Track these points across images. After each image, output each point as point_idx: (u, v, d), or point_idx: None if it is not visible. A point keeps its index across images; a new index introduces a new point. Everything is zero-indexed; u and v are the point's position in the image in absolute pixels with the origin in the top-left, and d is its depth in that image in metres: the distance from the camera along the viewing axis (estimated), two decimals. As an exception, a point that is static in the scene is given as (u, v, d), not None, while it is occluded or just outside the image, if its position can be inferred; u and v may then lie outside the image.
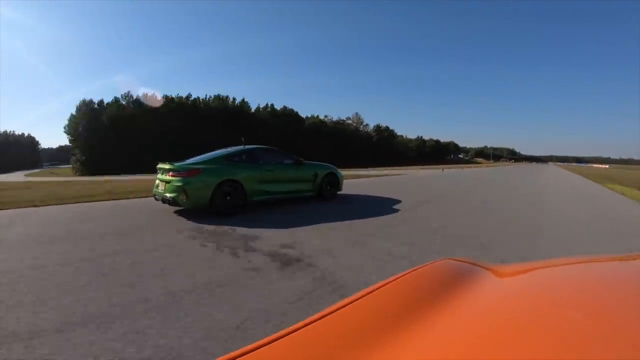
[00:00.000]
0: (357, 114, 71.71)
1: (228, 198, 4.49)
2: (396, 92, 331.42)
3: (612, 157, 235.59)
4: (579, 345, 0.34)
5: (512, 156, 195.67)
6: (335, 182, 6.05)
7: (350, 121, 69.19)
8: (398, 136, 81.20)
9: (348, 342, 0.37)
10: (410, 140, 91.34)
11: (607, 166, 69.08)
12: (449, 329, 0.39)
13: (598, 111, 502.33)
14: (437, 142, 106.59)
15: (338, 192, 6.29)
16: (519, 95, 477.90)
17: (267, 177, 5.08)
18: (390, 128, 76.33)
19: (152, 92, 47.02)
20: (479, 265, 0.61)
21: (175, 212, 4.62)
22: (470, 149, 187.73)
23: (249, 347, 0.35)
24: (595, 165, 74.62)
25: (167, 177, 4.38)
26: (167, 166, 4.48)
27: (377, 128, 73.29)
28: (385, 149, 68.02)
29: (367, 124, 72.68)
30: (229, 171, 4.65)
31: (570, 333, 0.36)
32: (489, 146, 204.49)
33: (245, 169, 4.84)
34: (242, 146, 5.35)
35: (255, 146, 5.49)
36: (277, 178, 5.23)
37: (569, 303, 0.45)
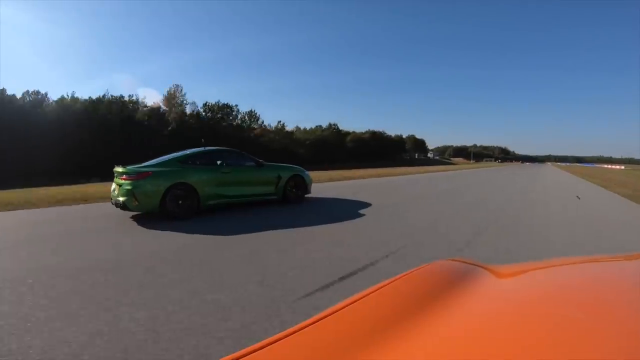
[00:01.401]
0: (176, 86, 54.78)
1: (180, 202, 5.70)
2: (381, 93, 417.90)
3: (613, 156, 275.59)
4: (579, 345, 0.43)
5: (505, 155, 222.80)
6: (301, 184, 7.66)
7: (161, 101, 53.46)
8: (262, 125, 65.05)
9: (348, 342, 0.48)
10: (301, 131, 74.15)
11: (622, 167, 67.12)
12: (448, 330, 0.51)
13: (597, 109, 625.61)
14: (380, 135, 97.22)
15: (306, 195, 7.92)
16: (512, 91, 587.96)
17: (223, 180, 6.37)
18: (254, 111, 62.56)
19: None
20: (479, 266, 0.79)
21: (132, 217, 5.80)
22: (448, 146, 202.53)
23: (250, 348, 0.46)
24: (606, 166, 74.47)
25: (120, 181, 5.55)
26: (120, 169, 5.67)
27: (210, 109, 56.52)
28: (226, 140, 46.98)
29: (193, 103, 56.18)
30: (181, 174, 5.87)
31: (570, 333, 0.47)
32: (478, 144, 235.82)
33: (198, 172, 6.11)
34: (200, 148, 6.72)
35: (212, 148, 6.94)
36: (235, 181, 6.58)
37: (569, 303, 0.59)
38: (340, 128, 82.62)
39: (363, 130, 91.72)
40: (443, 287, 0.65)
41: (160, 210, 5.50)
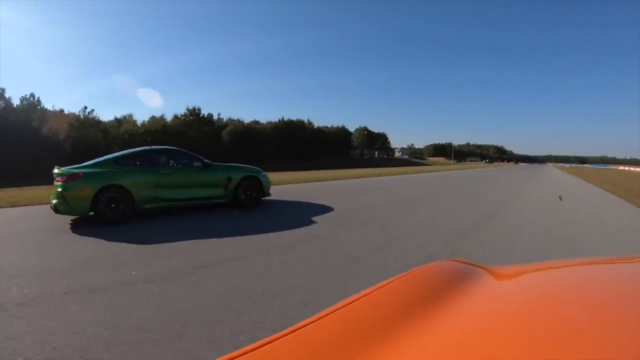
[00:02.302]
0: None
1: (113, 206, 7.15)
2: (380, 94, 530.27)
3: (617, 157, 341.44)
4: (579, 346, 0.58)
5: (500, 155, 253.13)
6: (257, 187, 9.37)
7: None
8: (46, 112, 60.80)
9: (348, 342, 0.64)
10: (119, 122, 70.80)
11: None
12: (448, 330, 0.68)
13: (599, 109, 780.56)
14: (301, 126, 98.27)
15: (265, 198, 9.66)
16: (511, 92, 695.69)
17: (162, 182, 7.94)
18: (33, 96, 59.42)
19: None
20: (479, 267, 1.08)
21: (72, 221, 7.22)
22: (430, 145, 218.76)
23: (249, 347, 0.61)
24: (622, 168, 78.19)
25: (55, 183, 6.98)
26: (56, 170, 7.10)
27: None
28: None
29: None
30: (114, 176, 7.36)
31: (570, 334, 0.62)
32: (471, 143, 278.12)
33: (133, 174, 7.63)
34: (138, 148, 8.39)
35: (152, 147, 8.57)
36: (176, 183, 8.19)
37: (569, 304, 0.78)
38: (214, 117, 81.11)
39: (273, 120, 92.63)
40: (443, 287, 0.88)
41: (94, 214, 6.91)
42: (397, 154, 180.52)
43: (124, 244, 5.60)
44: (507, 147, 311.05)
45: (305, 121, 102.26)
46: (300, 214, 8.31)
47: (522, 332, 0.65)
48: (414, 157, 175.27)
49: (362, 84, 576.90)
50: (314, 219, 7.65)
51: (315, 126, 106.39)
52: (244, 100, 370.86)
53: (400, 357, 0.59)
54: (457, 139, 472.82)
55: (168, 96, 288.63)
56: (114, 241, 5.74)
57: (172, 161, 8.30)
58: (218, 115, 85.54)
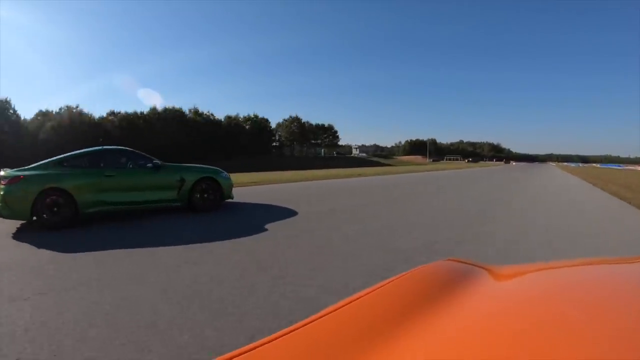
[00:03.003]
0: None
1: (55, 210, 8.35)
2: (380, 95, 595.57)
3: (621, 155, 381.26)
4: (578, 346, 0.71)
5: (495, 153, 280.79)
6: (215, 189, 10.62)
7: None
8: None
9: (348, 342, 0.79)
10: None
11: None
12: (449, 330, 0.84)
13: (600, 107, 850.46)
14: (160, 115, 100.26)
15: (226, 201, 10.89)
16: (510, 92, 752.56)
17: (108, 185, 9.26)
18: None
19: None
20: (478, 266, 1.36)
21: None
22: (406, 142, 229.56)
23: (248, 346, 0.76)
24: None
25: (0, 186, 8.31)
26: (1, 173, 8.35)
27: None
28: None
29: None
30: (55, 178, 8.65)
31: (570, 334, 0.76)
32: (465, 140, 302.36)
33: (76, 176, 8.93)
34: (84, 149, 9.62)
35: (99, 148, 9.89)
36: (123, 185, 9.51)
37: (569, 305, 0.96)
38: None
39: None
40: (443, 287, 1.09)
41: (35, 218, 8.11)
42: (355, 152, 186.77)
43: (46, 251, 6.34)
44: (505, 146, 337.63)
45: (187, 111, 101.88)
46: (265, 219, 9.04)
47: (522, 332, 0.82)
48: (376, 156, 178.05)
49: (357, 83, 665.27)
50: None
51: (214, 118, 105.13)
52: (239, 99, 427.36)
53: (401, 357, 0.75)
54: (451, 137, 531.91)
55: (167, 95, 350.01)
56: (42, 248, 6.50)
57: (119, 161, 9.48)
58: (50, 109, 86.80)
